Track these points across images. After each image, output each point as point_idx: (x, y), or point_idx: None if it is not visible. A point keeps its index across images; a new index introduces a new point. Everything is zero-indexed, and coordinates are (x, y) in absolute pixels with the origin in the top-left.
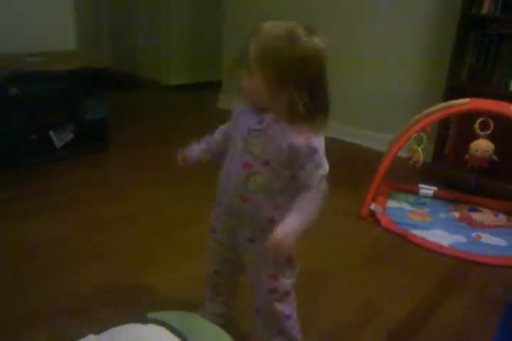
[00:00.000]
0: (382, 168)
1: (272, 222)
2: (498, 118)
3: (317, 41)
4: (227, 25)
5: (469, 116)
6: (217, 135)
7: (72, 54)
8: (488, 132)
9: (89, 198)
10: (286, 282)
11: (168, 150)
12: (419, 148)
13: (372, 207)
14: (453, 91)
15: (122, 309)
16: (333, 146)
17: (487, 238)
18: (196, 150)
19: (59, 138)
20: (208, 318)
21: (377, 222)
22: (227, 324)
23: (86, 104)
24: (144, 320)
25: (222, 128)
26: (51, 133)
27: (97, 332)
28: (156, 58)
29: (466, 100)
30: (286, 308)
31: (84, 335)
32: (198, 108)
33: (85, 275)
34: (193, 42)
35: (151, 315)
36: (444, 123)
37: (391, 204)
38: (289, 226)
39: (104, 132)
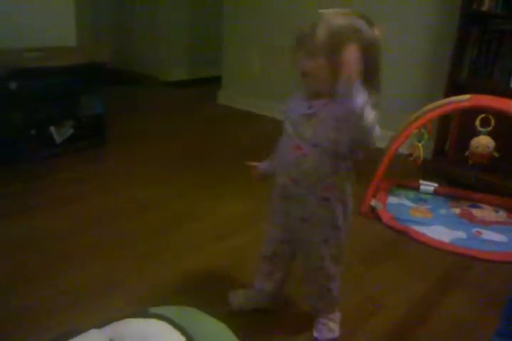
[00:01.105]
0: (383, 164)
1: (327, 200)
2: (499, 114)
3: (376, 31)
4: (227, 21)
5: (470, 113)
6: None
7: (72, 49)
8: (489, 129)
9: (89, 193)
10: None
11: (168, 146)
12: (420, 145)
13: (373, 203)
14: (454, 88)
15: (123, 304)
16: None
17: (487, 234)
18: (268, 166)
19: (59, 134)
20: (254, 295)
21: (378, 218)
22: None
23: (85, 100)
24: (146, 314)
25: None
26: (51, 128)
27: (99, 326)
28: (155, 54)
29: (467, 96)
30: (334, 269)
31: (86, 329)
32: (198, 104)
33: (86, 269)
34: (193, 38)
35: (152, 310)
36: (445, 120)
37: (392, 200)
38: None
39: (104, 127)
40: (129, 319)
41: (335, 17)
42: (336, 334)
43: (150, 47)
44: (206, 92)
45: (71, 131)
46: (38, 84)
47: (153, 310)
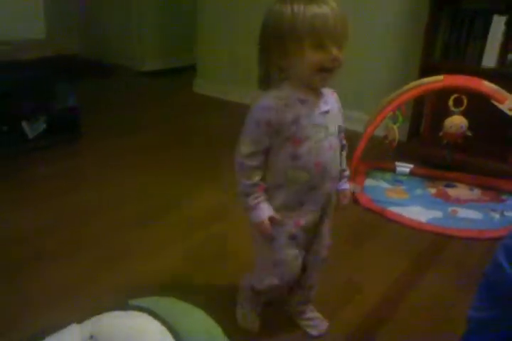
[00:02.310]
0: (359, 147)
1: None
2: (471, 94)
3: None
4: (200, 8)
5: (443, 94)
6: (259, 170)
7: (41, 42)
8: (461, 108)
9: (65, 188)
10: None
11: (144, 137)
12: (395, 127)
13: (352, 186)
14: (427, 69)
15: (103, 297)
16: None
17: (463, 212)
18: (268, 207)
19: (31, 129)
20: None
21: (357, 201)
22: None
23: (57, 93)
24: (125, 307)
25: (257, 154)
26: (23, 123)
27: (79, 321)
28: (128, 44)
29: (440, 77)
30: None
31: (66, 324)
32: (174, 93)
33: (65, 265)
34: (166, 26)
35: (131, 302)
36: (419, 102)
37: (369, 182)
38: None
39: (77, 121)
40: (109, 312)
41: (330, 2)
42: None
43: (123, 37)
44: (182, 81)
45: (44, 125)
46: (7, 78)
47: (132, 302)
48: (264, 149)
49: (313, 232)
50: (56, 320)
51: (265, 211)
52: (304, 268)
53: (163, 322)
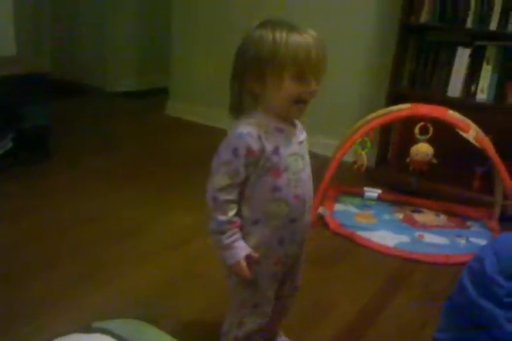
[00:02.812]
0: (329, 172)
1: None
2: (436, 122)
3: None
4: (175, 30)
5: (410, 121)
6: (235, 204)
7: (11, 59)
8: (427, 136)
9: (34, 206)
10: None
11: (113, 158)
12: (363, 153)
13: (321, 210)
14: (394, 97)
15: (66, 318)
16: None
17: (429, 237)
18: (244, 245)
19: None
20: None
21: (326, 225)
22: None
23: (27, 112)
24: (89, 330)
25: (233, 187)
26: None
27: None
28: (102, 64)
29: (407, 105)
30: None
31: None
32: (145, 115)
33: (31, 285)
34: (140, 47)
35: (96, 324)
36: (387, 129)
37: (338, 207)
38: None
39: (47, 140)
40: (72, 335)
41: (309, 29)
42: None
43: (96, 57)
44: (155, 103)
45: (10, 144)
46: None
47: (97, 324)
48: (240, 181)
49: (292, 264)
50: None
51: (241, 250)
52: (278, 297)
53: None
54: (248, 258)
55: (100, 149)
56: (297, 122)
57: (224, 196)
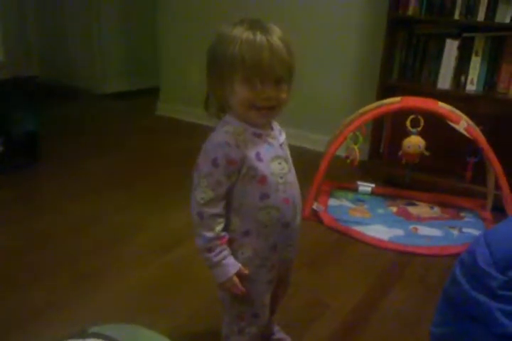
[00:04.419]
0: (322, 167)
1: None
2: (427, 115)
3: None
4: (163, 30)
5: (401, 114)
6: (221, 218)
7: None
8: (418, 129)
9: (25, 212)
10: None
11: (104, 161)
12: (356, 147)
13: (315, 206)
14: (385, 91)
15: (61, 324)
16: None
17: (423, 230)
18: (233, 262)
19: None
20: None
21: (320, 221)
22: None
23: (16, 116)
24: (84, 334)
25: (218, 200)
26: None
27: None
28: (90, 66)
29: (398, 99)
30: None
31: None
32: (136, 116)
33: (27, 290)
34: (127, 48)
35: (91, 329)
36: (378, 122)
37: (332, 202)
38: None
39: (36, 145)
40: (68, 340)
41: (276, 29)
42: None
43: (84, 60)
44: (145, 104)
45: (1, 148)
46: None
47: (92, 329)
48: (224, 193)
49: (286, 266)
50: None
51: (231, 267)
52: (272, 297)
53: None
54: (239, 274)
55: (91, 152)
56: (274, 123)
57: (210, 210)
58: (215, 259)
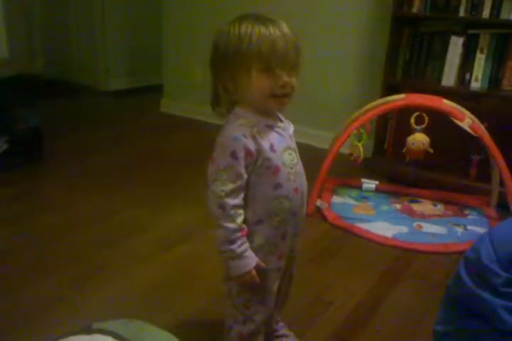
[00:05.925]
0: (325, 164)
1: None
2: (432, 112)
3: None
4: (166, 28)
5: (406, 112)
6: (241, 209)
7: (2, 62)
8: (423, 126)
9: (29, 210)
10: None
11: (109, 158)
12: (360, 144)
13: (318, 203)
14: (389, 88)
15: (66, 320)
16: None
17: (427, 227)
18: (253, 254)
19: None
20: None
21: (324, 218)
22: None
23: (21, 113)
24: (89, 330)
25: (238, 191)
26: None
27: None
28: (94, 63)
29: (402, 96)
30: None
31: None
32: (140, 113)
33: (30, 287)
34: (132, 45)
35: (96, 325)
36: (382, 119)
37: (336, 199)
38: None
39: (41, 141)
40: (72, 336)
41: (280, 20)
42: None
43: (89, 57)
44: (149, 101)
45: (5, 146)
46: None
47: (97, 325)
48: (243, 184)
49: (292, 255)
50: None
51: (252, 259)
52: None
53: None
54: (256, 267)
55: (95, 149)
56: (281, 116)
57: (231, 201)
58: (239, 250)
